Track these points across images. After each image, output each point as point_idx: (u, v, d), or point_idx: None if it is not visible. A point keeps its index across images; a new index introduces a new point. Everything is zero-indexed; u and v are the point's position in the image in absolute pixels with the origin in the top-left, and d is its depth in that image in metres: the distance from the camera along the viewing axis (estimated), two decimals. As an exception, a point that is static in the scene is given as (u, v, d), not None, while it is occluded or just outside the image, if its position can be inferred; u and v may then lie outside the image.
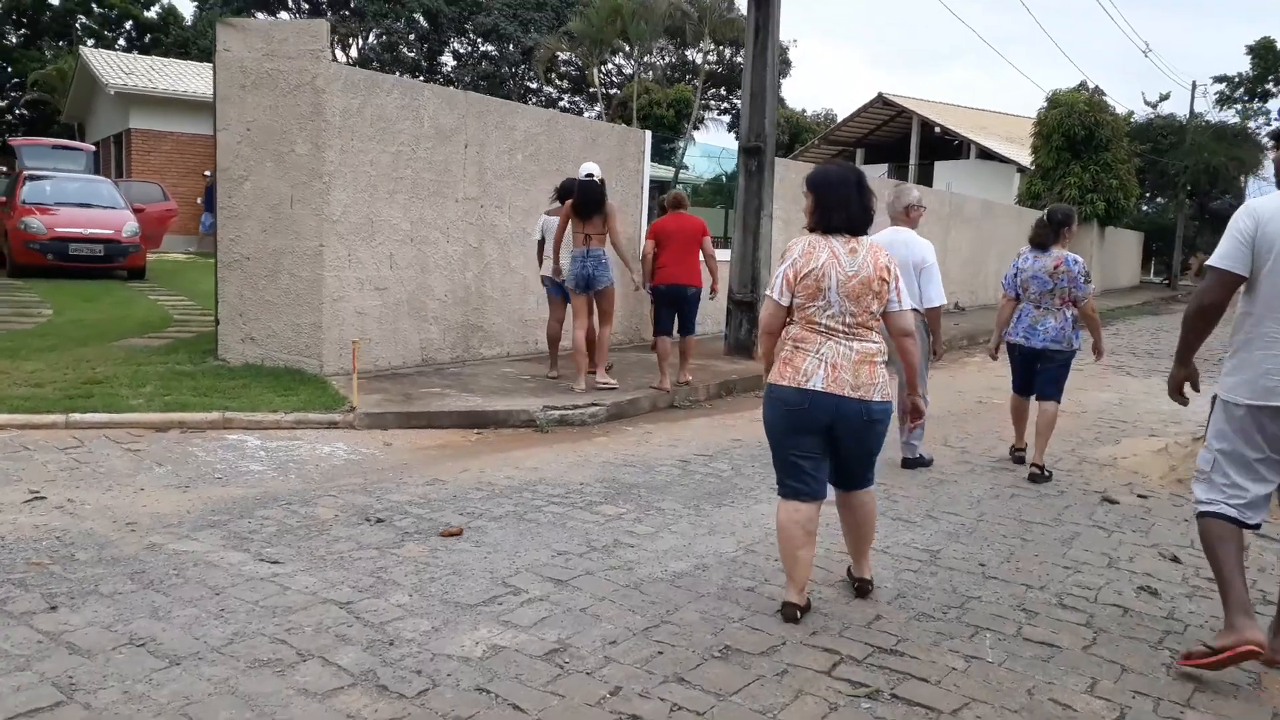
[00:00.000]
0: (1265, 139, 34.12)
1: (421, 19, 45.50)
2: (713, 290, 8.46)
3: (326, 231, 7.46)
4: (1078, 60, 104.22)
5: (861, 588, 3.61)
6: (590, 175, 7.54)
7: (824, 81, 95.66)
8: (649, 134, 10.85)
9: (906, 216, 5.78)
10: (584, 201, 7.35)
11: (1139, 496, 5.42)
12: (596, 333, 7.78)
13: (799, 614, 3.33)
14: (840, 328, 3.27)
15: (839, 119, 42.58)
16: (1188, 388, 3.39)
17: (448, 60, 49.08)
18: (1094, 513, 5.03)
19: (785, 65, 49.98)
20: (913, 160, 37.33)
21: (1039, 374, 5.95)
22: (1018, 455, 6.17)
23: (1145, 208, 40.40)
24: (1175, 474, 5.79)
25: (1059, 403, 5.95)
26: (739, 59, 51.50)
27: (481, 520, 4.32)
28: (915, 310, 5.47)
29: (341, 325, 7.60)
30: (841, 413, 3.25)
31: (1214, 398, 3.31)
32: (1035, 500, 5.23)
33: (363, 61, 40.73)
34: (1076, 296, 5.78)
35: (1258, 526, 3.19)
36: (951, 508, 4.98)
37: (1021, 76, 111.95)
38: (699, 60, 50.29)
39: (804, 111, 49.13)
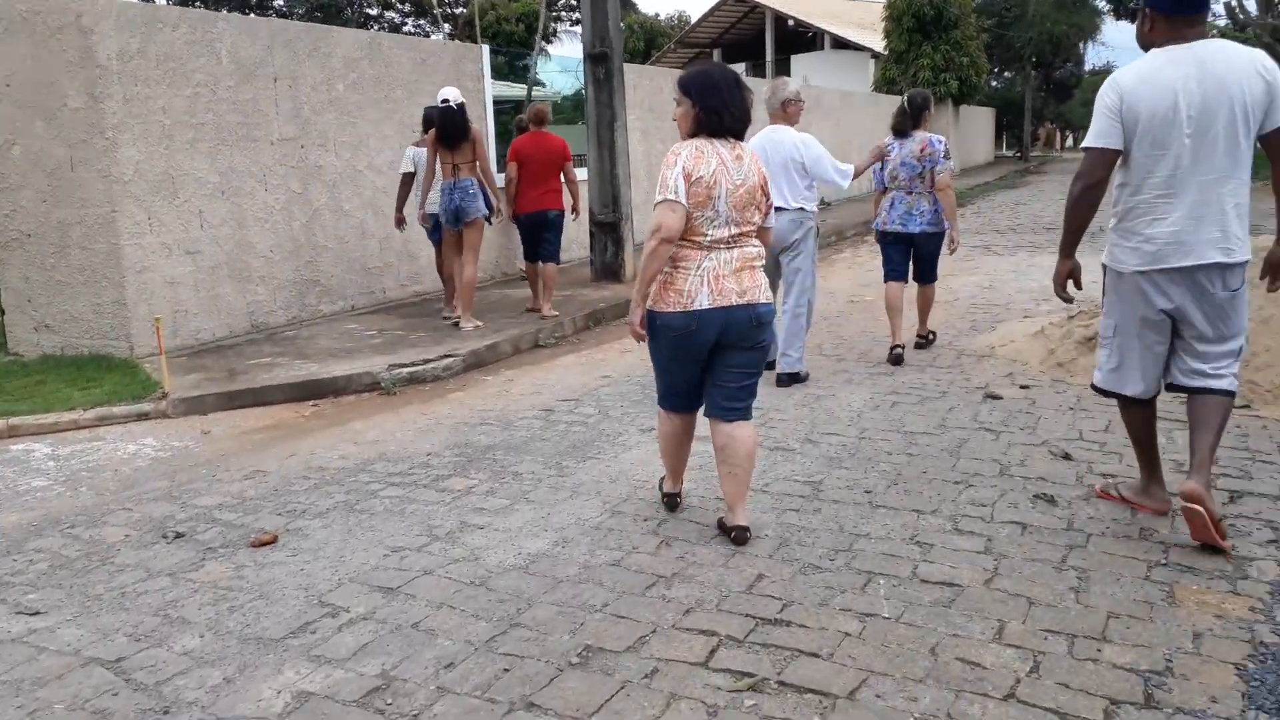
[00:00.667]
0: (1102, 3, 34.96)
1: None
2: (574, 212, 8.25)
3: (118, 194, 6.49)
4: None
5: (738, 535, 3.29)
6: (447, 101, 6.96)
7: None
8: (486, 48, 9.99)
9: (784, 113, 5.51)
10: (446, 130, 6.90)
11: (1021, 388, 5.19)
12: (459, 270, 7.31)
13: (679, 501, 3.60)
14: (724, 239, 3.14)
15: (693, 21, 41.57)
16: (1070, 285, 3.38)
17: (276, -8, 45.62)
18: (978, 412, 4.76)
19: (633, -31, 48.54)
20: (769, 56, 36.92)
21: (916, 259, 6.09)
22: (896, 354, 5.96)
23: (995, 83, 41.14)
24: (1054, 357, 5.60)
25: (934, 283, 6.27)
26: (584, -35, 49.95)
27: (304, 519, 3.71)
28: (801, 209, 5.45)
29: (151, 299, 6.70)
30: (731, 321, 3.15)
31: (1103, 267, 3.34)
32: (917, 405, 4.93)
33: (179, -1, 37.36)
34: (935, 174, 5.84)
35: (1155, 395, 3.30)
36: (831, 427, 4.62)
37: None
38: (543, -31, 48.32)
39: (657, 16, 47.95)
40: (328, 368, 6.15)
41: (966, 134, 32.52)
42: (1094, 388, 3.45)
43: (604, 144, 9.47)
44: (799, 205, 5.44)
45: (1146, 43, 3.14)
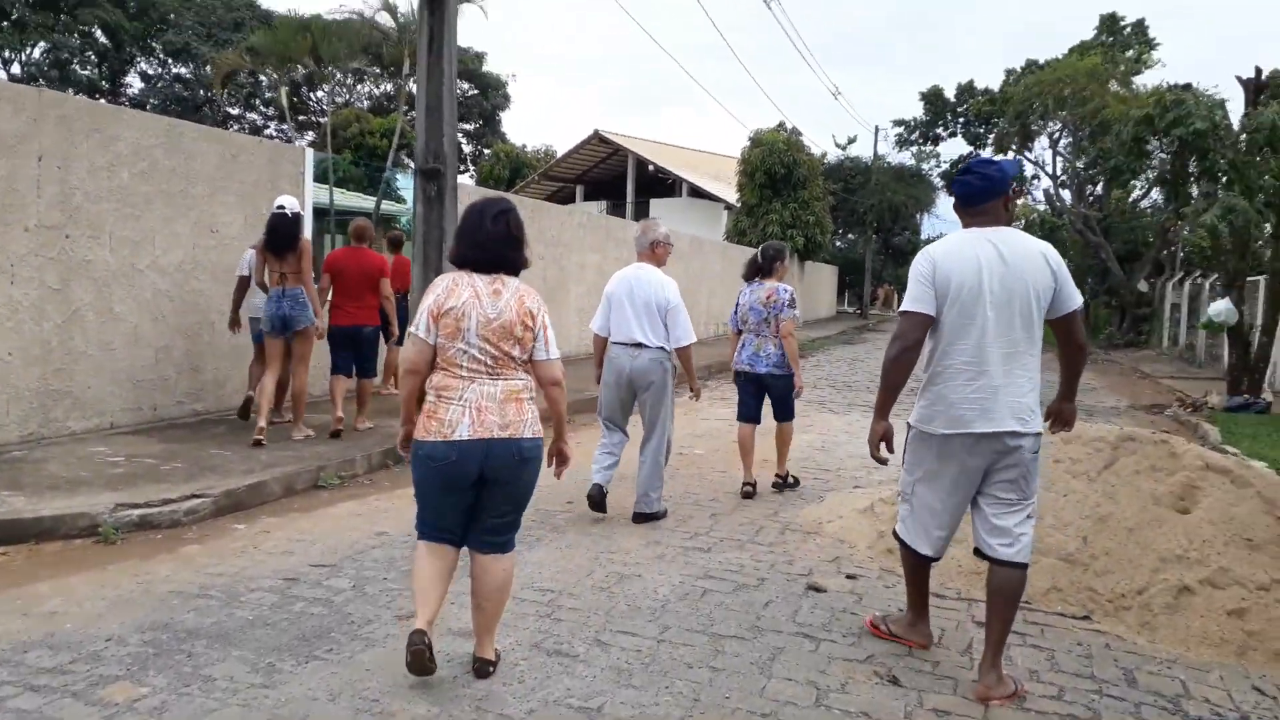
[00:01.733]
0: (937, 179, 37.66)
1: (100, 34, 40.29)
2: (389, 335, 8.04)
3: None
4: (777, 103, 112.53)
5: (481, 668, 3.26)
6: (282, 209, 6.87)
7: (545, 119, 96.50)
8: (309, 151, 9.26)
9: (653, 253, 5.62)
10: (276, 238, 6.83)
11: (848, 577, 4.64)
12: (291, 380, 7.23)
13: (426, 640, 3.07)
14: (483, 369, 3.11)
15: (559, 155, 42.30)
16: (883, 448, 3.44)
17: (134, 82, 43.88)
18: (799, 609, 4.15)
19: (505, 99, 49.32)
20: (629, 198, 37.75)
21: (768, 399, 6.36)
22: (747, 491, 6.23)
23: (838, 243, 43.42)
24: (884, 542, 5.10)
25: (791, 421, 6.43)
26: (458, 90, 50.48)
27: None
28: (662, 349, 5.48)
29: None
30: (492, 454, 3.08)
31: (908, 426, 3.51)
32: (731, 596, 4.28)
33: (28, 79, 35.11)
34: (779, 321, 6.11)
35: (939, 557, 3.58)
36: (629, 623, 3.88)
37: (729, 117, 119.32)
38: (410, 86, 48.59)
39: (524, 147, 48.65)
40: (37, 504, 5.00)
41: (811, 288, 33.76)
42: (894, 533, 3.74)
43: (430, 266, 8.76)
44: (659, 344, 5.46)
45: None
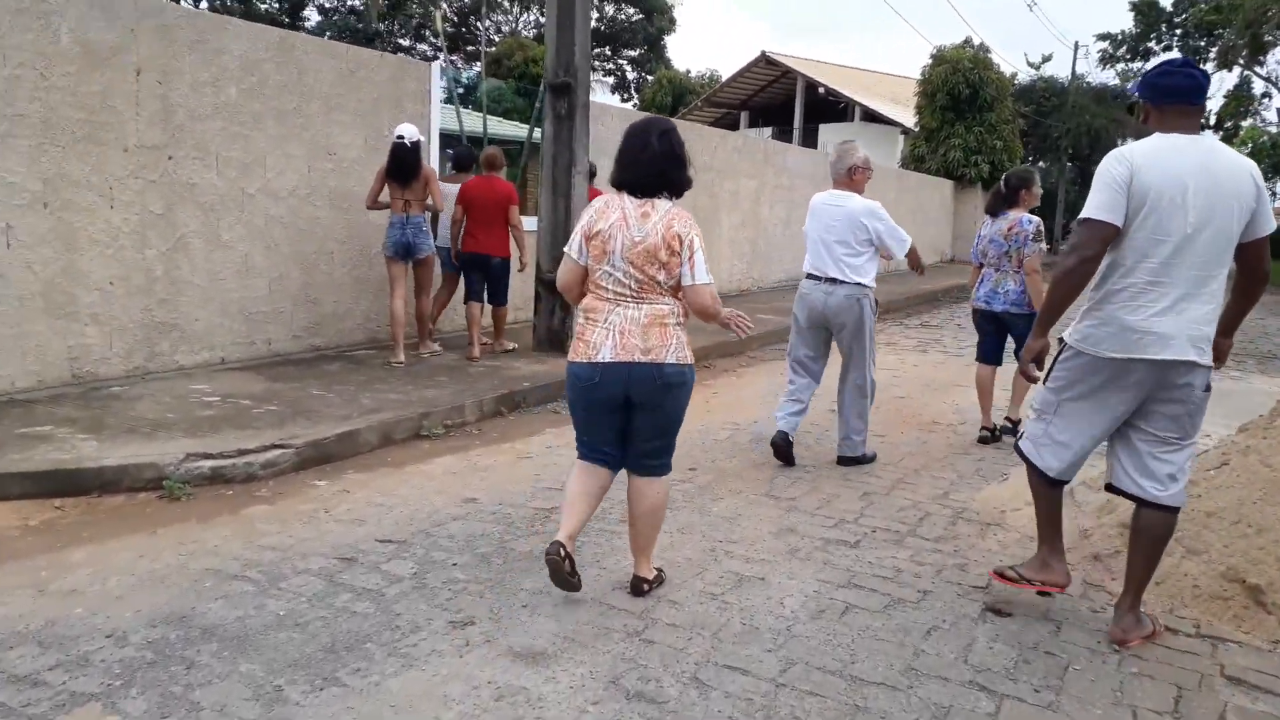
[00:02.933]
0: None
1: (280, -33, 41.62)
2: (521, 264, 7.77)
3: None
4: (964, 15, 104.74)
5: (635, 585, 3.35)
6: (402, 138, 6.89)
7: (713, 45, 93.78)
8: (436, 66, 8.56)
9: (850, 179, 5.16)
10: (396, 167, 6.89)
11: (1039, 594, 3.55)
12: (417, 303, 7.42)
13: (562, 552, 3.10)
14: (628, 293, 3.08)
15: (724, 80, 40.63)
16: (1033, 367, 3.32)
17: (311, 15, 45.21)
18: (973, 644, 3.12)
19: (670, 24, 47.91)
20: (797, 123, 35.84)
21: (990, 338, 5.98)
22: (983, 436, 5.94)
23: (1029, 172, 39.87)
24: (1089, 544, 3.97)
25: None
26: (622, 15, 49.36)
27: None
28: (860, 284, 5.04)
29: (-81, 331, 5.19)
30: (634, 378, 3.07)
31: (1060, 342, 3.25)
32: (881, 616, 3.29)
33: (210, 8, 36.69)
34: (1022, 254, 5.69)
35: (1065, 483, 3.30)
36: (742, 650, 2.97)
37: (910, 38, 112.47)
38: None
39: (688, 72, 47.13)
40: (108, 450, 4.57)
41: (994, 220, 31.12)
42: (1016, 448, 3.45)
43: (559, 190, 7.98)
44: (857, 280, 5.04)
45: (1150, 130, 3.05)
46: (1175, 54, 30.16)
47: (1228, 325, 3.16)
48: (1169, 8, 29.27)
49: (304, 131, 7.22)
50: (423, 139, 7.27)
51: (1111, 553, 3.65)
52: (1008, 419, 6.03)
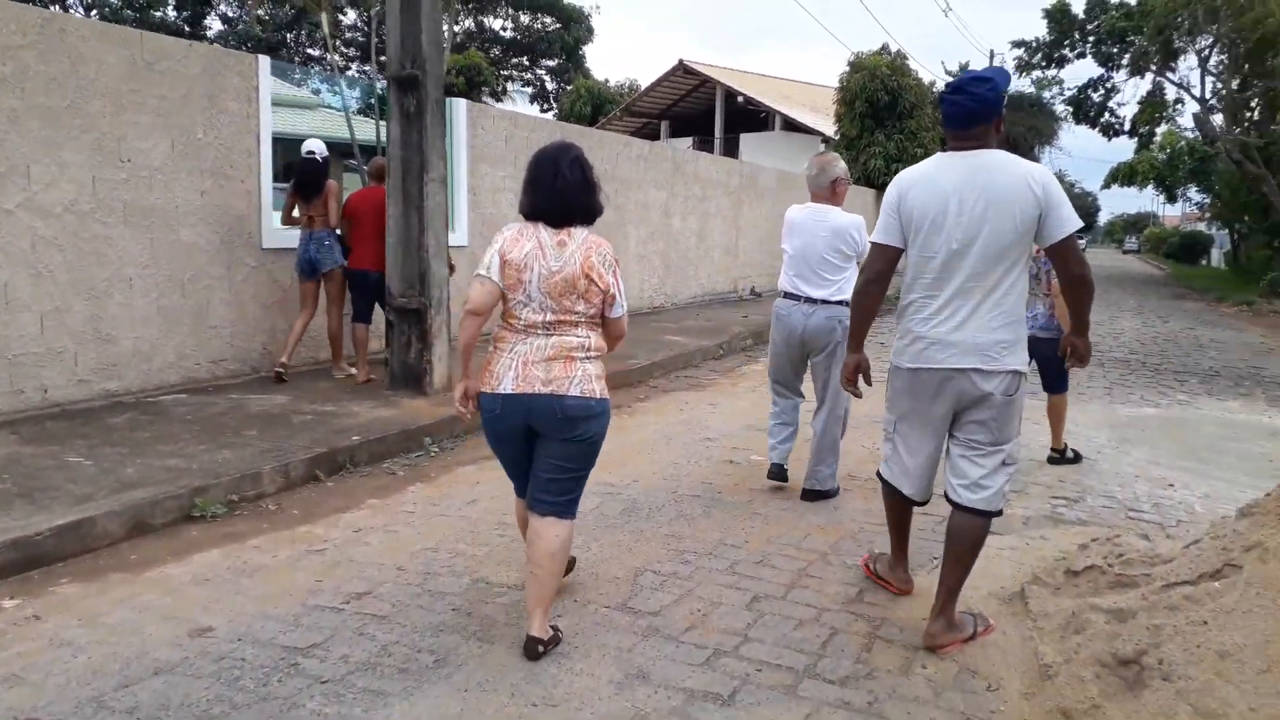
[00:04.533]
0: (1060, 108, 33.84)
1: (175, -28, 39.52)
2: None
3: None
4: (880, 22, 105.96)
5: (530, 648, 3.01)
6: (312, 154, 6.94)
7: (631, 55, 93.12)
8: (265, 60, 7.27)
9: (833, 192, 4.83)
10: (304, 182, 6.88)
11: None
12: (329, 322, 7.24)
13: (539, 649, 3.02)
14: (539, 324, 3.00)
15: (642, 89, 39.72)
16: (860, 381, 3.46)
17: (214, 24, 43.08)
18: None
19: (588, 33, 46.90)
20: (718, 133, 35.15)
21: (1039, 365, 5.65)
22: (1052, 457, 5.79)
23: (949, 181, 39.81)
24: (1055, 687, 2.90)
25: (1063, 393, 5.78)
26: (539, 24, 48.16)
27: None
28: (843, 304, 4.69)
29: None
30: (534, 410, 2.98)
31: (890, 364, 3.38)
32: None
33: (101, 17, 34.39)
34: (1052, 276, 5.38)
35: (921, 503, 3.41)
36: None
37: (826, 51, 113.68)
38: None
39: (607, 81, 46.18)
40: None
41: (916, 229, 30.76)
42: (877, 473, 3.54)
43: (410, 202, 6.76)
44: (840, 299, 4.70)
45: None
46: (1088, 60, 30.17)
47: (1073, 326, 3.20)
48: (1081, 15, 29.19)
49: (85, 135, 5.89)
50: (328, 155, 7.10)
51: (1088, 708, 2.56)
52: (1053, 449, 5.86)
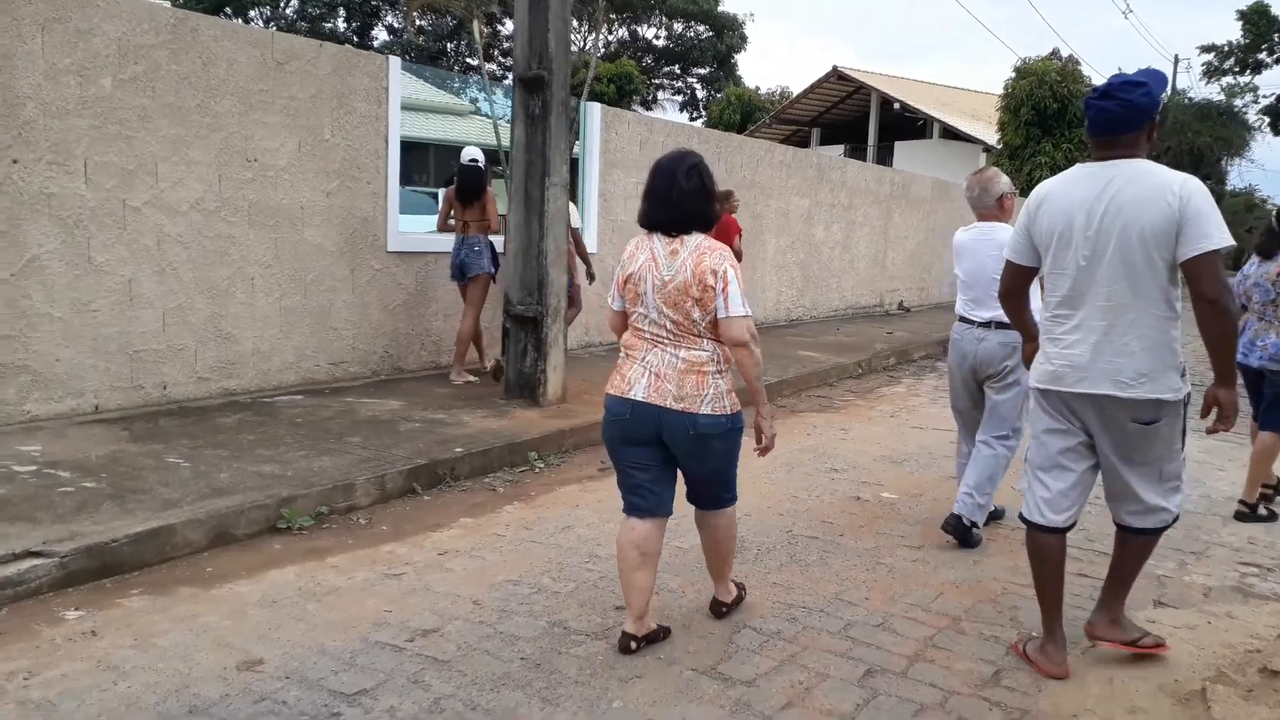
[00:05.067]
0: (1253, 117, 30.96)
1: (345, -14, 41.54)
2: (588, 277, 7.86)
3: None
4: (1053, 26, 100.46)
5: (715, 607, 3.35)
6: (475, 161, 7.06)
7: (784, 64, 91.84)
8: (395, 61, 7.20)
9: (1000, 208, 4.56)
10: (464, 188, 7.02)
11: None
12: (462, 325, 7.24)
13: (634, 644, 3.03)
14: (664, 335, 2.97)
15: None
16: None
17: (380, 34, 45.08)
18: None
19: (741, 40, 46.44)
20: (871, 140, 33.99)
21: (1262, 398, 5.10)
22: (1241, 512, 5.01)
23: (1123, 194, 37.13)
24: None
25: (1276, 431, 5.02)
26: (692, 32, 48.01)
27: None
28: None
29: None
30: (665, 424, 2.95)
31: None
32: None
33: (279, 29, 36.55)
34: None
35: (1064, 529, 3.10)
36: None
37: (989, 59, 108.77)
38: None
39: (758, 89, 45.58)
40: None
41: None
42: (1020, 516, 3.23)
43: (531, 206, 6.51)
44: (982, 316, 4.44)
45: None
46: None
47: (1217, 372, 2.88)
48: (1283, 15, 26.60)
49: (212, 134, 5.92)
50: (486, 162, 7.23)
51: None
52: (1241, 501, 5.06)
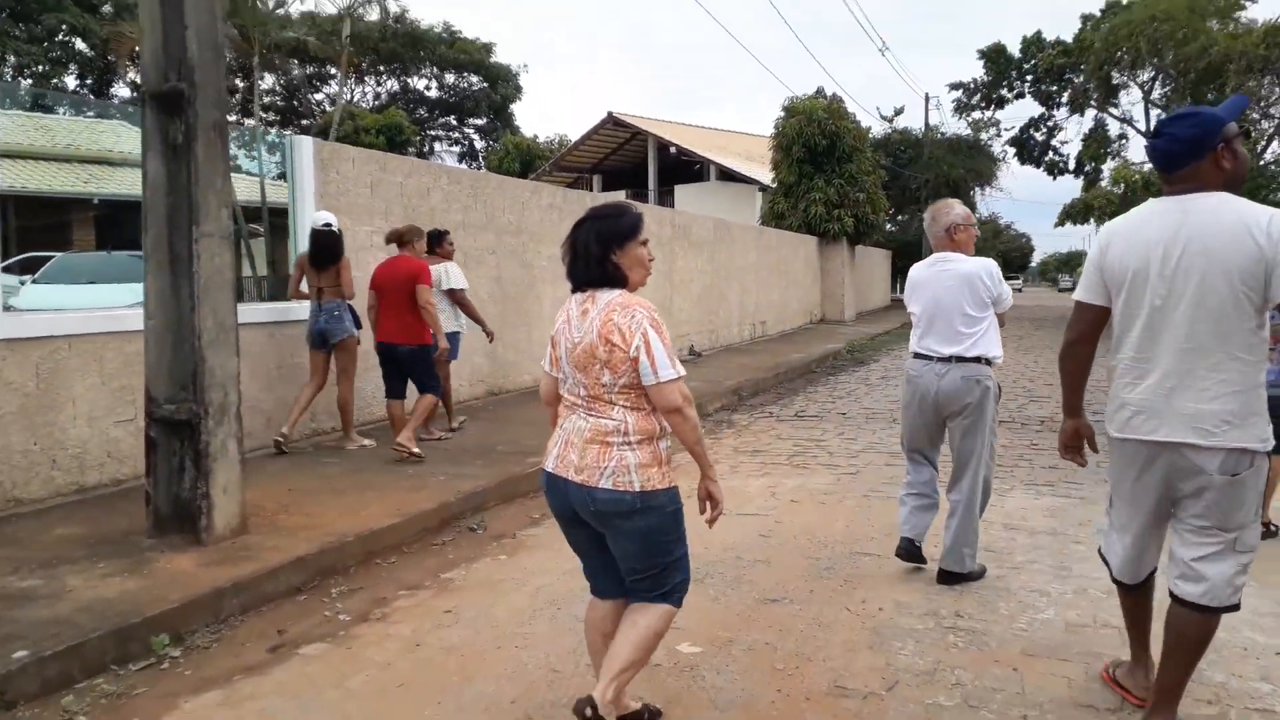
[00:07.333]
0: (998, 149, 33.04)
1: (79, 41, 37.05)
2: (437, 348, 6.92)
3: None
4: (820, 63, 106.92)
5: (577, 706, 2.73)
6: (328, 225, 6.76)
7: (561, 112, 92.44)
8: None
9: (952, 240, 4.43)
10: (317, 252, 6.76)
11: None
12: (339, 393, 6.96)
13: (588, 712, 2.68)
14: (579, 400, 2.76)
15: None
16: (1085, 448, 3.16)
17: (120, 90, 40.76)
18: None
19: (516, 90, 45.56)
20: (651, 185, 33.69)
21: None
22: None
23: (889, 225, 38.88)
24: None
25: None
26: (464, 83, 46.62)
27: None
28: (980, 361, 4.29)
29: None
30: (571, 497, 2.72)
31: None
32: None
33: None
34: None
35: (1138, 583, 3.02)
36: None
37: (755, 107, 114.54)
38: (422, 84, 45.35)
39: (536, 138, 44.75)
40: None
41: (863, 276, 29.45)
42: (1098, 551, 3.22)
43: (178, 268, 4.70)
44: (978, 354, 4.27)
45: None
46: (1028, 100, 29.35)
47: None
48: (1018, 55, 28.40)
49: None
50: (339, 227, 6.92)
51: None
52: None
